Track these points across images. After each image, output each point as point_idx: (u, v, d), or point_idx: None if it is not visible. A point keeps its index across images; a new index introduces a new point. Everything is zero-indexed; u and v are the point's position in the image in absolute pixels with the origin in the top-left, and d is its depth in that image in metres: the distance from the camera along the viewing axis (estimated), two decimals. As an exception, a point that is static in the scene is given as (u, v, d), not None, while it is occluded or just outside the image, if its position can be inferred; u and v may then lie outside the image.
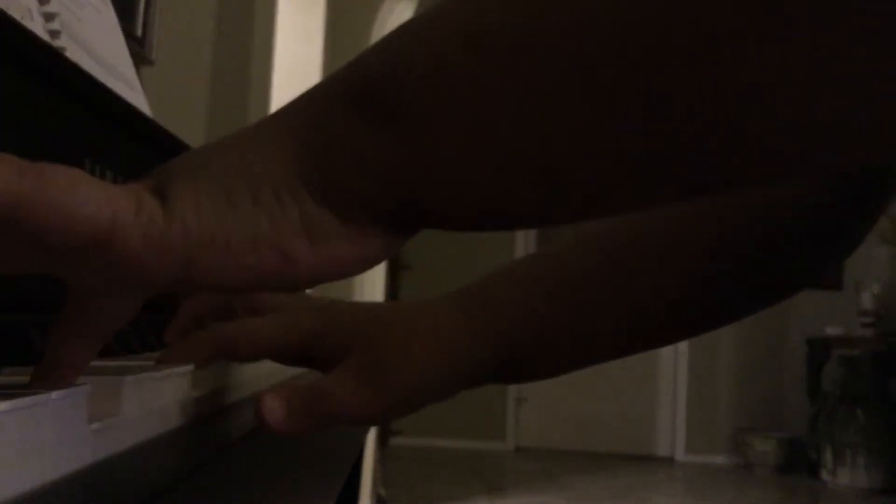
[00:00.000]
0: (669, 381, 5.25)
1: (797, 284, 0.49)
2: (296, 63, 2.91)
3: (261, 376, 0.47)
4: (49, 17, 0.59)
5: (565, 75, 0.22)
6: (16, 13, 0.52)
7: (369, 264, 0.27)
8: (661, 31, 0.20)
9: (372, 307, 0.43)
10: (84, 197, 0.22)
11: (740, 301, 0.50)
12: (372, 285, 2.96)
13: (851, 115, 0.21)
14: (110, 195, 0.23)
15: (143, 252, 0.23)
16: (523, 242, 5.23)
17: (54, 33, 0.59)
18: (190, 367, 0.34)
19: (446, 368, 0.41)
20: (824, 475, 4.45)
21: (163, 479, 0.28)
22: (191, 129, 1.90)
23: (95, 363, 0.40)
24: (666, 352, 5.24)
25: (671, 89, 0.21)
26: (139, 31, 1.54)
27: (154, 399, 0.29)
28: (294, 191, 0.25)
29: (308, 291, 0.55)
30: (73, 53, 0.61)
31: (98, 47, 0.68)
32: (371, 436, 2.85)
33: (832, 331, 4.73)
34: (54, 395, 0.21)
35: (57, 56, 0.44)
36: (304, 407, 0.36)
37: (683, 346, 5.21)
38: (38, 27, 0.57)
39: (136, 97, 0.73)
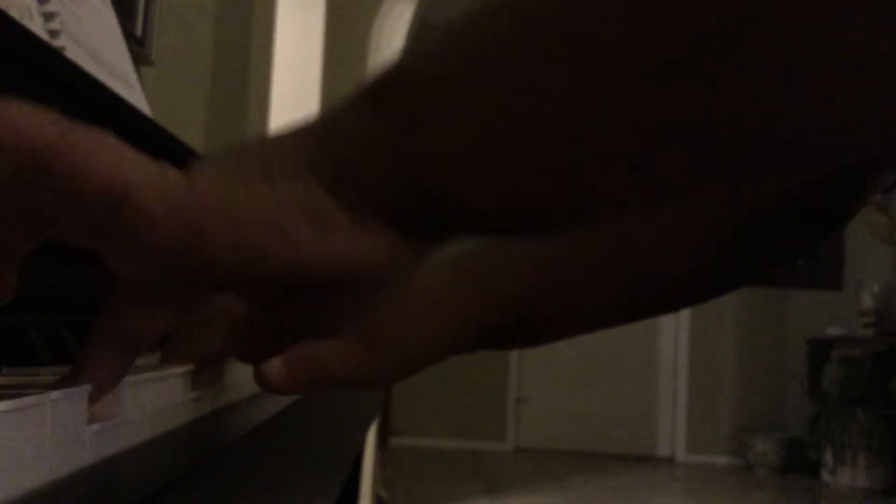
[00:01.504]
0: (670, 382, 5.26)
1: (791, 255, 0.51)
2: (295, 63, 2.92)
3: None
4: (49, 16, 0.59)
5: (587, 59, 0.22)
6: (15, 12, 0.52)
7: (376, 266, 0.26)
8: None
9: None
10: (112, 153, 0.24)
11: (741, 269, 0.51)
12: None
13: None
14: (137, 157, 0.24)
15: (156, 209, 0.24)
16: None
17: (54, 33, 0.59)
18: (188, 368, 0.34)
19: (438, 331, 0.42)
20: (825, 475, 4.45)
21: (161, 480, 0.28)
22: (190, 129, 1.91)
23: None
24: (666, 352, 5.27)
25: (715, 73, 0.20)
26: (139, 31, 1.56)
27: (153, 400, 0.29)
28: (305, 178, 0.25)
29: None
30: (73, 53, 0.61)
31: (98, 47, 0.68)
32: (371, 436, 2.85)
33: (833, 331, 4.73)
34: (53, 395, 0.21)
35: (56, 55, 0.44)
36: (301, 366, 0.36)
37: (684, 346, 5.23)
38: (37, 26, 0.57)
39: (136, 97, 0.73)
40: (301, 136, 0.26)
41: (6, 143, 0.22)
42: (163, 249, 0.24)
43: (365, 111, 0.25)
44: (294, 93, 2.89)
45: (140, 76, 0.81)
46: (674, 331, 5.25)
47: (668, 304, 0.53)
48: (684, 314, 5.22)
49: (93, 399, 0.25)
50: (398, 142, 0.25)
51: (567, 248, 0.47)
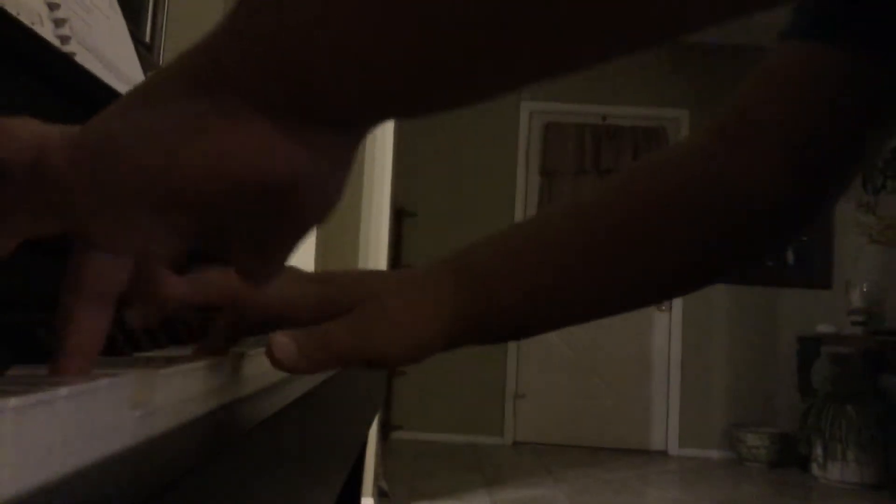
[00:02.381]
0: (663, 378, 5.23)
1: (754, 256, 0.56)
2: None
3: (270, 371, 0.47)
4: (59, 22, 0.59)
5: None
6: (26, 19, 0.52)
7: (270, 165, 0.26)
8: None
9: (373, 272, 0.46)
10: (30, 126, 0.27)
11: (720, 265, 0.56)
12: (377, 232, 2.91)
13: None
14: (50, 127, 0.27)
15: (59, 160, 0.26)
16: (522, 198, 5.25)
17: (64, 38, 0.59)
18: (212, 361, 0.35)
19: (431, 329, 0.45)
20: (815, 470, 4.43)
21: (177, 467, 0.27)
22: None
23: (138, 355, 0.43)
24: (660, 349, 5.23)
25: None
26: (147, 37, 1.53)
27: (180, 390, 0.30)
28: (179, 90, 0.26)
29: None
30: (83, 58, 0.61)
31: (107, 52, 0.68)
32: (373, 431, 2.85)
33: (823, 329, 4.69)
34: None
35: (67, 61, 0.44)
36: (310, 345, 0.38)
37: (677, 343, 5.19)
38: (48, 32, 0.57)
39: None
40: (178, 58, 0.27)
41: None
42: (77, 192, 0.26)
43: (231, 21, 0.26)
44: None
45: None
46: (667, 328, 5.23)
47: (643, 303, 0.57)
48: (677, 312, 5.20)
49: (73, 352, 0.27)
50: (261, 38, 0.25)
51: (552, 275, 0.52)
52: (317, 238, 2.42)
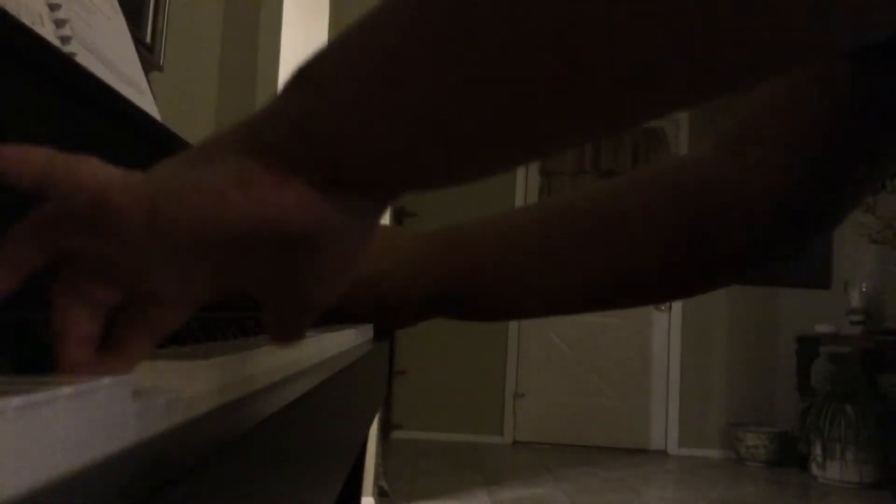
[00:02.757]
0: (662, 377, 5.23)
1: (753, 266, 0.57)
2: None
3: (278, 368, 0.47)
4: (60, 23, 0.58)
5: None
6: (27, 19, 0.52)
7: (300, 215, 0.30)
8: None
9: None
10: (92, 167, 0.30)
11: (698, 276, 0.58)
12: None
13: None
14: (110, 168, 0.30)
15: (123, 200, 0.29)
16: (522, 198, 5.24)
17: (65, 39, 0.58)
18: (214, 360, 0.35)
19: (416, 286, 0.48)
20: (814, 469, 4.43)
21: (183, 466, 0.27)
22: (199, 133, 1.86)
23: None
24: (659, 348, 5.23)
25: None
26: (148, 38, 1.54)
27: (188, 387, 0.31)
28: (235, 153, 0.30)
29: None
30: (84, 59, 0.61)
31: (108, 53, 0.67)
32: (373, 430, 2.84)
33: (822, 328, 4.69)
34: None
35: (67, 61, 0.44)
36: (281, 335, 0.39)
37: (676, 342, 5.19)
38: (48, 33, 0.56)
39: (146, 102, 0.74)
40: (234, 127, 0.31)
41: (12, 172, 0.29)
42: (134, 231, 0.29)
43: (280, 96, 0.31)
44: None
45: (149, 82, 0.82)
46: (667, 328, 5.23)
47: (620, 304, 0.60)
48: (676, 312, 5.20)
49: (74, 354, 0.29)
50: (297, 109, 0.30)
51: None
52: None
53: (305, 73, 0.31)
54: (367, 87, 0.29)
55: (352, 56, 0.30)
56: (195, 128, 1.87)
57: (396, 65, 0.28)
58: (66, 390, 0.20)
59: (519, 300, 0.57)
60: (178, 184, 0.30)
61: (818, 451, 4.41)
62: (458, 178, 0.31)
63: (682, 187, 0.56)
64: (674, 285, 0.58)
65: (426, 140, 0.29)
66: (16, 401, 0.18)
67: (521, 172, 5.32)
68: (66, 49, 0.59)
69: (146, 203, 0.29)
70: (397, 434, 4.91)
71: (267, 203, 0.29)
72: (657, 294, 0.58)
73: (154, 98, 0.80)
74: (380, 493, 3.20)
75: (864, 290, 4.64)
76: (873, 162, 0.54)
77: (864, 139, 0.53)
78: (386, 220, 2.94)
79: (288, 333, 0.35)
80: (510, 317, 0.59)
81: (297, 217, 0.30)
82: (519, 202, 5.27)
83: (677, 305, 5.23)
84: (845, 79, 0.51)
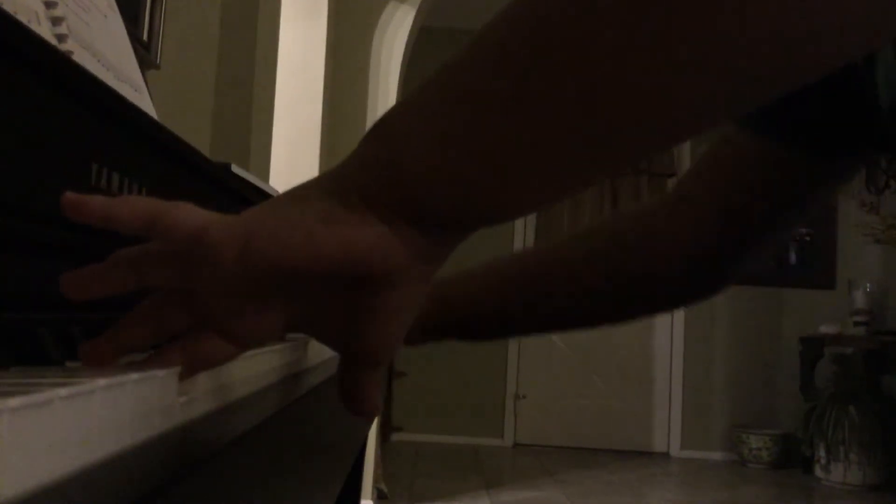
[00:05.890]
0: (665, 379, 5.25)
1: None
2: (299, 67, 2.92)
3: (279, 368, 0.48)
4: (56, 21, 0.58)
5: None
6: (23, 17, 0.52)
7: (378, 252, 0.33)
8: None
9: None
10: (191, 210, 0.34)
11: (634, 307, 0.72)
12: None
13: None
14: (206, 211, 0.34)
15: (218, 236, 0.32)
16: (521, 237, 5.26)
17: (61, 37, 0.59)
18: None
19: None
20: (818, 471, 4.45)
21: (183, 466, 0.30)
22: (196, 132, 1.89)
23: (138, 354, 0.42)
24: (661, 350, 5.25)
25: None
26: (145, 36, 1.53)
27: (188, 387, 0.33)
28: (321, 195, 0.34)
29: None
30: (80, 57, 0.61)
31: (105, 51, 0.68)
32: (372, 432, 2.86)
33: (825, 329, 4.71)
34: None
35: (64, 59, 0.44)
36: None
37: (679, 343, 5.22)
38: (45, 31, 0.56)
39: (143, 100, 0.74)
40: (321, 175, 0.35)
41: (123, 220, 0.33)
42: (228, 263, 0.33)
43: (360, 149, 0.34)
44: (297, 96, 2.88)
45: (146, 80, 0.81)
46: (669, 329, 5.24)
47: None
48: (679, 313, 5.18)
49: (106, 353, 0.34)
50: (375, 153, 0.34)
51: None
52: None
53: (387, 121, 0.34)
54: (449, 133, 0.32)
55: (432, 104, 0.33)
56: (192, 126, 1.88)
57: (477, 112, 0.31)
58: (63, 392, 0.21)
59: (506, 328, 0.74)
60: (268, 220, 0.33)
61: (822, 453, 4.42)
62: (533, 209, 0.34)
63: (621, 235, 0.70)
64: (600, 315, 0.72)
65: (503, 180, 0.32)
66: (13, 401, 0.18)
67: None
68: (63, 47, 0.58)
69: (239, 238, 0.32)
70: (397, 436, 4.90)
71: (348, 239, 0.32)
72: (592, 319, 0.73)
73: (151, 97, 0.80)
74: (379, 496, 3.22)
75: (868, 290, 4.67)
76: (776, 230, 0.65)
77: (767, 211, 0.63)
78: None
79: (361, 399, 0.37)
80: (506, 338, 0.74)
81: (375, 253, 0.33)
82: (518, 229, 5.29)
83: (679, 306, 5.22)
84: (756, 156, 0.62)
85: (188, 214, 0.33)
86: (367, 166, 0.33)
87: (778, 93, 0.31)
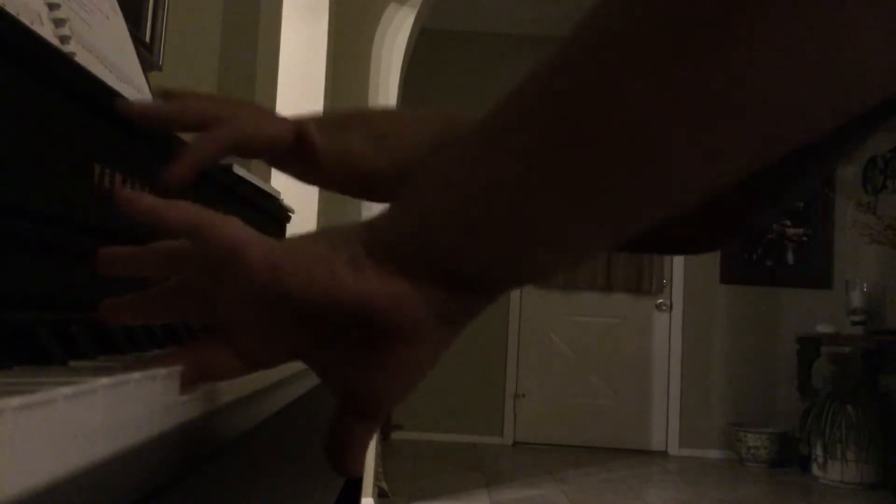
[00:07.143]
0: (663, 378, 5.24)
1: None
2: (300, 69, 2.90)
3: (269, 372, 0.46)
4: (59, 22, 0.59)
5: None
6: (26, 18, 0.52)
7: (401, 305, 0.33)
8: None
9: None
10: (233, 225, 0.35)
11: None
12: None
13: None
14: (249, 228, 0.36)
15: (255, 255, 0.34)
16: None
17: (64, 38, 0.59)
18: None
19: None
20: (815, 470, 4.44)
21: (182, 466, 0.31)
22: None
23: (138, 354, 0.44)
24: (660, 349, 5.24)
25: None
26: (147, 37, 1.53)
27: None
28: (354, 240, 0.35)
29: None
30: (83, 58, 0.61)
31: (107, 52, 0.68)
32: None
33: (822, 328, 4.70)
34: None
35: (67, 61, 0.44)
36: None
37: (677, 342, 5.20)
38: (47, 32, 0.57)
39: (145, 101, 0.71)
40: (356, 223, 0.36)
41: (169, 220, 0.35)
42: (257, 283, 0.34)
43: (391, 210, 0.35)
44: (299, 97, 2.86)
45: (149, 81, 0.82)
46: (667, 328, 5.24)
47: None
48: (677, 312, 5.21)
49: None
50: (401, 216, 0.34)
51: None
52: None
53: (419, 182, 0.34)
54: (474, 194, 0.31)
55: (463, 161, 0.32)
56: (194, 127, 1.87)
57: (504, 174, 0.30)
58: (64, 391, 0.21)
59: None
60: (300, 251, 0.34)
61: (819, 451, 4.42)
62: (557, 272, 0.34)
63: None
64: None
65: (530, 247, 0.32)
66: (14, 401, 0.18)
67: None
68: (65, 49, 0.58)
69: (273, 261, 0.34)
70: (397, 435, 4.91)
71: (370, 287, 0.33)
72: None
73: (153, 98, 0.75)
74: (379, 494, 3.21)
75: (865, 290, 4.65)
76: (800, 179, 0.62)
77: (792, 156, 0.60)
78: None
79: (348, 454, 0.36)
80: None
81: (394, 305, 0.33)
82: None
83: (678, 305, 5.23)
84: None
85: (234, 229, 0.35)
86: (395, 219, 0.34)
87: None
